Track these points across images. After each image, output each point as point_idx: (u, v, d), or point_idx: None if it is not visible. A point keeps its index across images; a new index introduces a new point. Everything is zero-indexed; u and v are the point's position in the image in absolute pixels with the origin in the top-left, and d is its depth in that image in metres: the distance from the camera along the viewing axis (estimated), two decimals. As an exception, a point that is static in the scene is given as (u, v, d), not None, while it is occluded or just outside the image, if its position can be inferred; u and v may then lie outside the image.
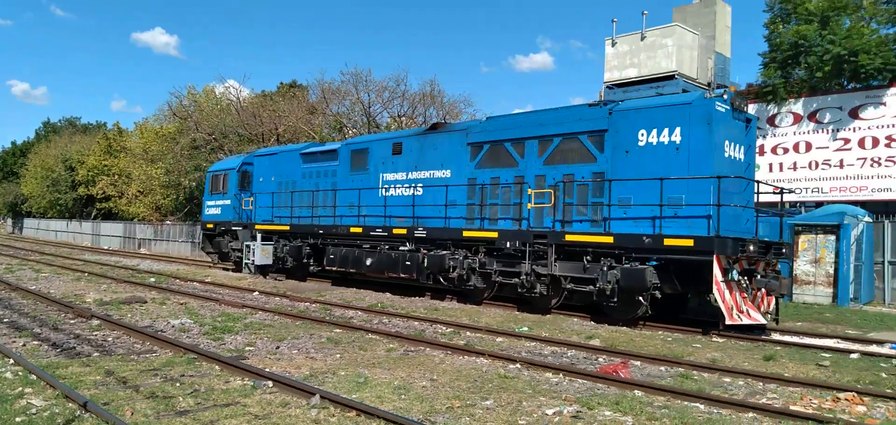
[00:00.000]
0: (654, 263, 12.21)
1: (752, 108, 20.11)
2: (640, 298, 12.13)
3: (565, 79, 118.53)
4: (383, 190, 17.60)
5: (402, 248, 16.62)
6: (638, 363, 9.36)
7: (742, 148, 12.76)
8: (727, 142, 12.24)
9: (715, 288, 11.23)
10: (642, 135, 12.58)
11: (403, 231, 16.58)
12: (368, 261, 17.37)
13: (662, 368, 9.07)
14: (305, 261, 20.21)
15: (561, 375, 8.34)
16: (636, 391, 7.54)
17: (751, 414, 6.67)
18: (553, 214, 13.63)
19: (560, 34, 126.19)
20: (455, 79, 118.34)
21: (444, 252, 15.47)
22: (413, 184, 16.86)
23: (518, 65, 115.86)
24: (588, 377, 8.20)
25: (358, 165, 18.61)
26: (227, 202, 23.40)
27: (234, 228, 23.05)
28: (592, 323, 13.18)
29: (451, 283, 15.52)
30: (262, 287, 18.50)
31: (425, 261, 15.76)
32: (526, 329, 12.11)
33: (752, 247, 11.69)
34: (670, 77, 13.51)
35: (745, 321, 11.49)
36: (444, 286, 15.90)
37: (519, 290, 14.12)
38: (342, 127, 38.09)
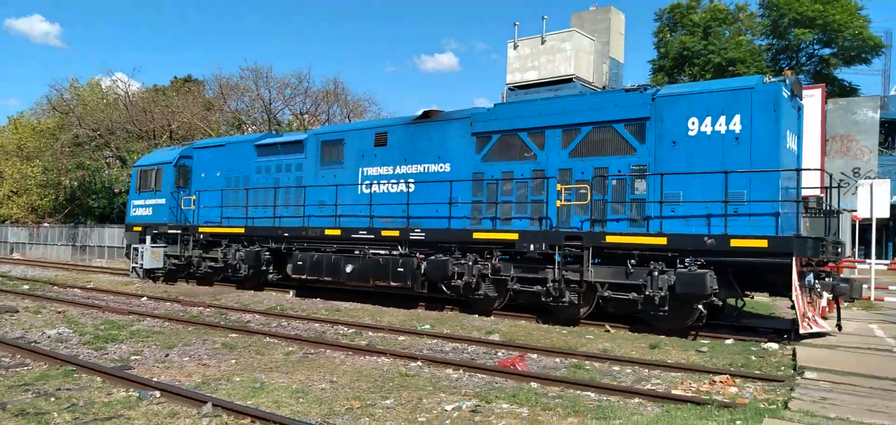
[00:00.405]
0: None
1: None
2: (700, 306, 10.88)
3: (470, 79, 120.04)
4: (364, 186, 15.62)
5: (393, 253, 14.59)
6: (535, 356, 9.64)
7: (796, 138, 11.74)
8: (788, 132, 11.19)
9: (794, 293, 10.18)
10: (693, 123, 11.38)
11: (395, 233, 14.55)
12: (349, 268, 15.10)
13: (557, 360, 9.38)
14: (264, 267, 17.62)
15: (461, 371, 8.43)
16: (532, 383, 7.78)
17: (637, 400, 7.04)
18: (583, 213, 12.31)
19: (465, 35, 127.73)
20: (359, 77, 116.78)
21: (446, 257, 13.68)
22: (403, 180, 14.94)
23: (423, 64, 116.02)
24: (487, 372, 8.37)
25: (331, 158, 16.45)
26: (161, 201, 20.58)
27: (170, 231, 20.15)
28: (492, 319, 13.29)
29: (454, 292, 13.77)
30: (151, 292, 17.50)
31: (423, 267, 13.94)
32: (428, 326, 12.18)
33: (830, 248, 10.97)
34: (568, 80, 13.73)
35: (815, 329, 10.46)
36: (444, 295, 14.16)
37: (542, 299, 12.47)
38: (241, 124, 36.80)
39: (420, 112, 15.33)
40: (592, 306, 12.30)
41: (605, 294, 11.81)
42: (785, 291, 10.60)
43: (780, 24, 32.27)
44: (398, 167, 15.18)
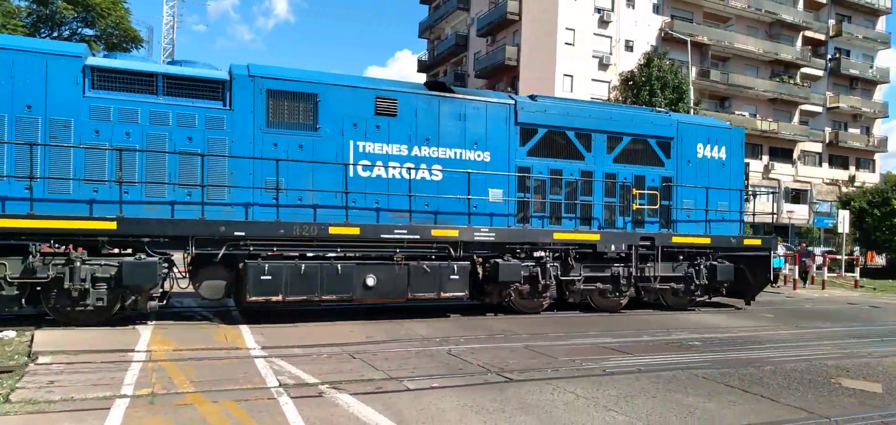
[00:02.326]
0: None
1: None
2: (722, 290, 14.69)
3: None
4: (361, 167, 11.73)
5: (440, 257, 11.98)
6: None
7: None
8: (737, 162, 15.42)
9: (772, 274, 15.81)
10: (700, 148, 14.56)
11: (453, 232, 11.94)
12: (371, 280, 11.34)
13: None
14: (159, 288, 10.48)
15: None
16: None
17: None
18: (627, 215, 13.69)
19: None
20: None
21: (512, 260, 12.41)
22: (424, 165, 12.17)
23: None
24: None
25: (289, 118, 11.31)
26: None
27: None
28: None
29: (510, 298, 12.72)
30: None
31: (494, 272, 12.22)
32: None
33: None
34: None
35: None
36: (480, 303, 13.12)
37: (609, 295, 13.39)
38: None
39: (430, 80, 13.35)
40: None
41: (656, 286, 13.84)
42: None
43: (46, -7, 32.51)
44: (418, 148, 12.09)
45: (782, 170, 52.14)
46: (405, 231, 11.62)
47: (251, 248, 10.71)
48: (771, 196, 51.28)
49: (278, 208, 11.05)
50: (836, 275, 27.33)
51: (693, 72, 43.43)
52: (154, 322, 10.55)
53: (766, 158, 51.30)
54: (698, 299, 14.47)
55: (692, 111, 36.35)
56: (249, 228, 10.67)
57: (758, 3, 50.94)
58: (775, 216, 50.59)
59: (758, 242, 14.96)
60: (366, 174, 11.73)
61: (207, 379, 6.95)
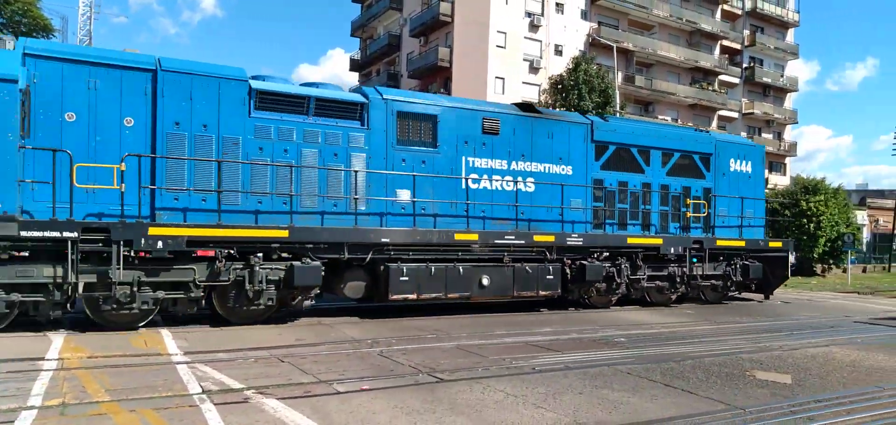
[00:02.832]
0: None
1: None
2: (752, 286, 17.27)
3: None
4: (471, 180, 13.15)
5: (535, 262, 13.37)
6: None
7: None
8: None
9: (790, 273, 18.17)
10: (732, 163, 16.90)
11: (549, 237, 13.51)
12: (486, 280, 12.76)
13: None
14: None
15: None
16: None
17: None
18: (677, 221, 15.91)
19: None
20: None
21: (595, 261, 13.99)
22: (521, 178, 13.68)
23: None
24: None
25: (414, 137, 12.72)
26: None
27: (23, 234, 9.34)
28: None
29: (590, 296, 14.42)
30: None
31: (580, 272, 13.81)
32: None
33: None
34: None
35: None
36: (566, 299, 14.36)
37: (665, 291, 15.53)
38: None
39: (520, 102, 15.13)
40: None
41: (701, 282, 15.89)
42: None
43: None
44: (515, 163, 13.64)
45: (702, 173, 54.36)
46: (513, 236, 13.17)
47: (391, 253, 11.97)
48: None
49: (415, 217, 12.54)
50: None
51: (619, 77, 44.87)
52: (67, 330, 9.99)
53: (687, 161, 53.43)
54: (730, 294, 17.14)
55: (618, 115, 37.57)
56: (393, 236, 12.01)
57: (679, 12, 53.12)
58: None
59: (780, 245, 17.68)
60: (474, 186, 13.25)
61: (124, 387, 6.63)
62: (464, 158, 13.13)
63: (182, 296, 10.44)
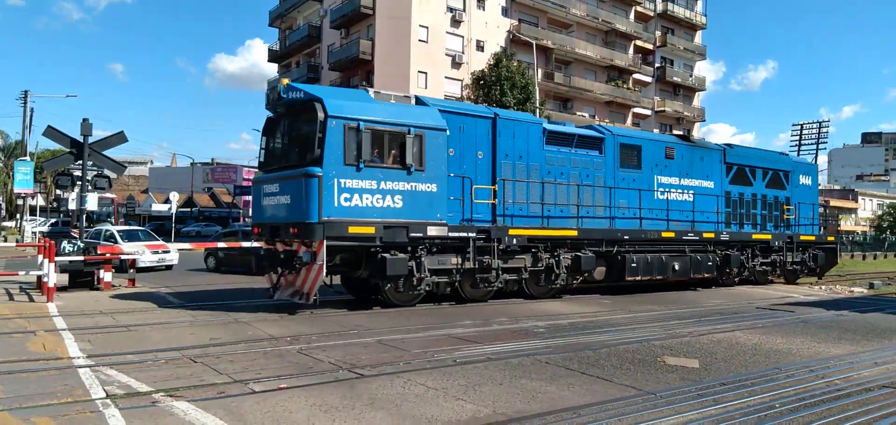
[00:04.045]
0: None
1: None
2: (818, 270, 22.68)
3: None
4: (659, 192, 17.70)
5: (701, 252, 18.23)
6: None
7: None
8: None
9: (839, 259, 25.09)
10: (801, 178, 22.30)
11: (711, 235, 18.56)
12: (677, 266, 17.43)
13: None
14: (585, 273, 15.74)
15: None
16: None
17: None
18: (770, 221, 20.83)
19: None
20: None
21: (736, 252, 19.22)
22: (686, 191, 18.36)
23: None
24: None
25: (628, 162, 17.04)
26: (431, 187, 12.82)
27: (455, 236, 13.18)
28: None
29: (732, 275, 19.44)
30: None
31: (726, 261, 18.91)
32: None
33: None
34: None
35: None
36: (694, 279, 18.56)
37: (768, 275, 20.75)
38: None
39: (680, 133, 21.48)
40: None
41: (788, 267, 21.11)
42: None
43: None
44: (682, 179, 18.33)
45: (617, 168, 56.42)
46: (692, 233, 18.13)
47: (626, 247, 16.59)
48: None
49: (641, 220, 17.02)
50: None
51: (539, 73, 45.80)
52: (-47, 333, 9.19)
53: (603, 156, 55.26)
54: (802, 276, 21.87)
55: (538, 111, 38.34)
56: (632, 234, 16.74)
57: (595, 12, 54.79)
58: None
59: (832, 238, 24.31)
60: (661, 196, 17.75)
61: (17, 394, 6.16)
62: (655, 176, 17.68)
63: (515, 278, 14.65)
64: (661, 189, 17.70)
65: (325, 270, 11.55)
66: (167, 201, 51.19)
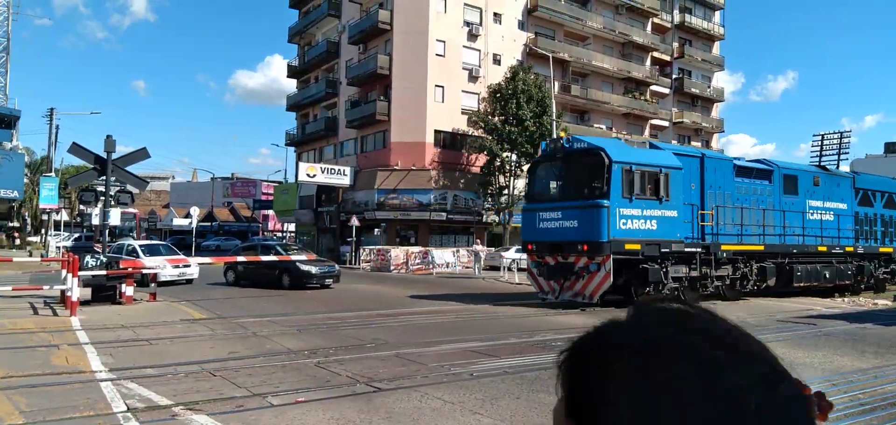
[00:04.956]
0: None
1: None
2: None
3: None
4: (810, 214, 21.04)
5: (844, 262, 21.87)
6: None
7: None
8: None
9: None
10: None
11: (851, 249, 22.13)
12: (827, 274, 20.95)
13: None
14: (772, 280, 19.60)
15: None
16: None
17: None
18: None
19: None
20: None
21: (867, 263, 22.78)
22: (828, 212, 21.68)
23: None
24: None
25: (789, 189, 20.62)
26: (672, 213, 16.65)
27: (688, 250, 16.98)
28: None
29: (864, 282, 22.86)
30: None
31: (860, 270, 22.51)
32: None
33: None
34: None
35: None
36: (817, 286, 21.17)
37: (885, 283, 23.66)
38: None
39: (820, 165, 24.09)
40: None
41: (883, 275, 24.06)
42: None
43: None
44: (826, 202, 21.59)
45: (635, 180, 56.06)
46: (838, 248, 21.65)
47: (791, 258, 20.00)
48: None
49: (804, 237, 20.67)
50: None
51: (556, 86, 45.75)
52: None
53: (621, 169, 54.92)
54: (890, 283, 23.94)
55: (555, 123, 38.28)
56: (799, 248, 20.32)
57: (612, 24, 54.70)
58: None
59: None
60: (811, 217, 20.97)
61: (42, 407, 6.27)
62: (807, 200, 20.86)
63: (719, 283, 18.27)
64: (811, 211, 21.14)
65: (611, 277, 15.31)
66: (188, 216, 51.79)
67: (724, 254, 17.97)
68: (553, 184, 17.47)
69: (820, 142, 72.08)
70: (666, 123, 59.34)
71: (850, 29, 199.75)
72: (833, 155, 71.29)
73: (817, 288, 20.70)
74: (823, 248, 21.16)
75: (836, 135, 71.94)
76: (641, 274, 16.04)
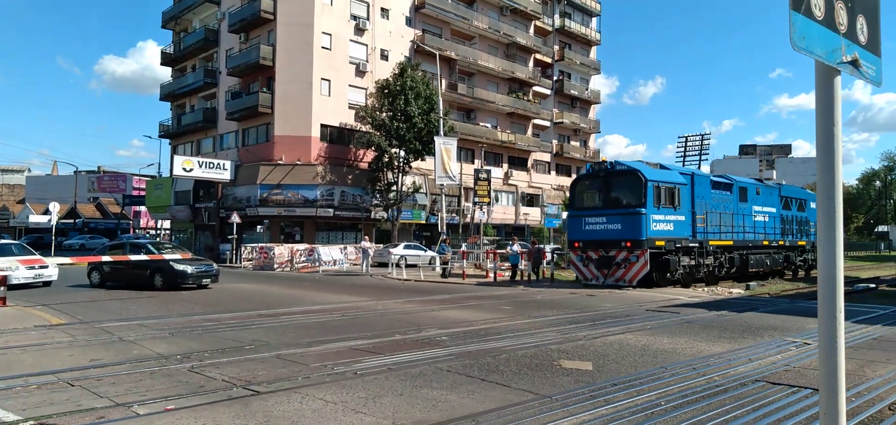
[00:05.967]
0: None
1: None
2: None
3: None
4: (755, 216, 26.84)
5: (777, 252, 28.28)
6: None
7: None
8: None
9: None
10: (811, 203, 30.96)
11: (782, 242, 28.92)
12: (768, 261, 27.29)
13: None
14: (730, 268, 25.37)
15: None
16: None
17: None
18: None
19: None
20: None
21: (791, 253, 29.32)
22: (765, 215, 27.66)
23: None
24: None
25: (743, 198, 26.33)
26: (682, 218, 22.86)
27: (690, 245, 23.14)
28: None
29: (798, 269, 30.08)
30: None
31: (788, 259, 29.16)
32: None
33: None
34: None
35: None
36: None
37: (799, 269, 30.40)
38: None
39: (759, 178, 29.06)
40: None
41: (811, 261, 30.50)
42: None
43: None
44: (764, 207, 27.63)
45: (519, 177, 58.16)
46: (774, 242, 27.95)
47: (747, 250, 26.15)
48: (511, 199, 57.74)
49: (755, 234, 26.72)
50: (562, 268, 31.20)
51: (443, 84, 46.25)
52: None
53: (506, 166, 56.76)
54: (814, 268, 27.61)
55: (442, 121, 38.69)
56: (753, 243, 26.55)
57: (497, 25, 56.10)
58: (515, 217, 56.39)
59: None
60: (756, 219, 26.93)
61: None
62: (752, 206, 26.70)
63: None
64: (756, 214, 26.92)
65: (648, 266, 21.05)
66: (47, 212, 47.45)
67: (711, 248, 24.01)
68: (597, 196, 22.80)
69: (684, 144, 77.73)
70: (547, 123, 61.75)
71: (710, 39, 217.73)
72: (695, 155, 77.19)
73: (762, 272, 27.05)
74: (766, 242, 27.47)
75: (697, 138, 77.94)
76: (663, 264, 21.81)
